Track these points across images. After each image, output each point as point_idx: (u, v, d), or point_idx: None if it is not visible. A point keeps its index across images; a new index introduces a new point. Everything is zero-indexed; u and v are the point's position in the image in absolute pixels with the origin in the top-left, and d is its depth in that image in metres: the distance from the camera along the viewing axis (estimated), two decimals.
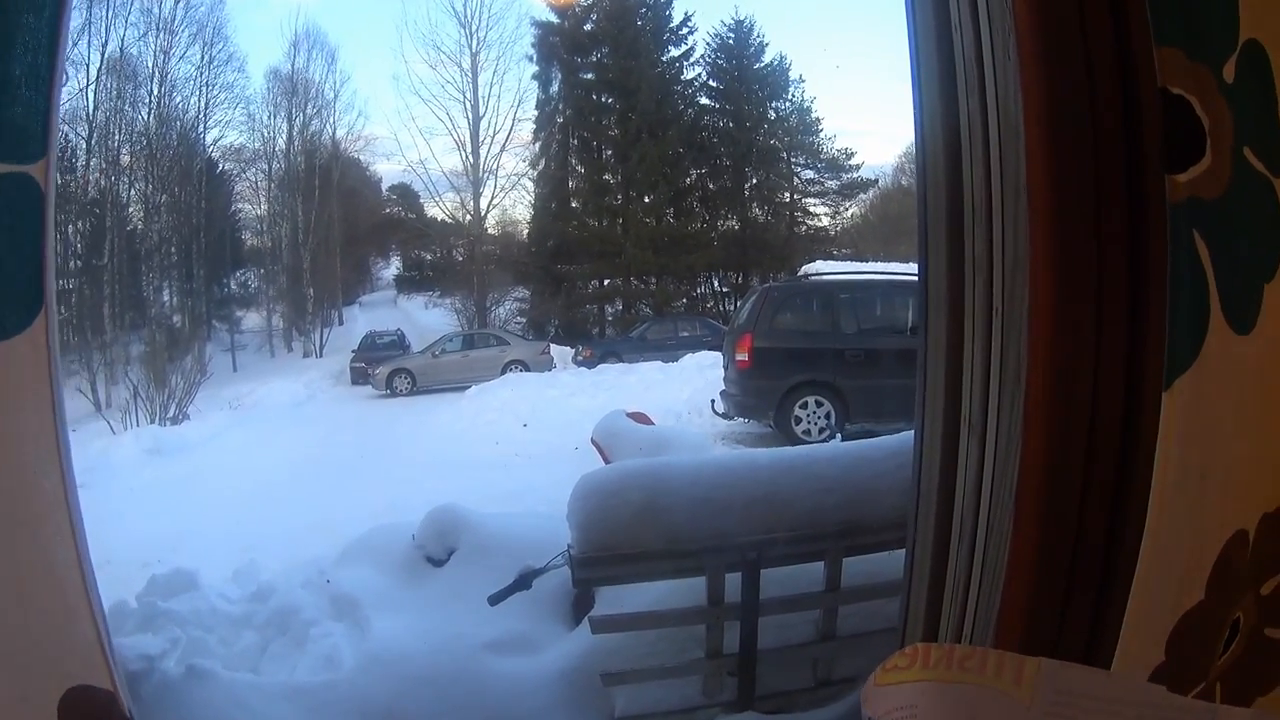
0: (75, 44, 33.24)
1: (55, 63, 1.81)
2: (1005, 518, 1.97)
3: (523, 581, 4.68)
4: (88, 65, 34.34)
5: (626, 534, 4.00)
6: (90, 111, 34.93)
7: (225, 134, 40.79)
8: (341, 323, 45.17)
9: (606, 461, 6.28)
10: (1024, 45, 1.84)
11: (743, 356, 16.06)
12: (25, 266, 1.82)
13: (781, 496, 4.15)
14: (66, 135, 34.16)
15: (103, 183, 35.70)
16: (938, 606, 2.28)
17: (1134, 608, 1.79)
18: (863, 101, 65.03)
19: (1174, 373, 1.77)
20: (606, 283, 44.38)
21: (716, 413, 17.02)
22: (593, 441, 6.94)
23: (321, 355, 40.52)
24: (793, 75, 45.75)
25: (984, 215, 2.06)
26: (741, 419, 16.78)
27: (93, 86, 34.78)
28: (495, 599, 4.66)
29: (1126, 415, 1.91)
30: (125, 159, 36.98)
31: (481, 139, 43.38)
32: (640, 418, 7.53)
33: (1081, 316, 1.88)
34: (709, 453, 6.58)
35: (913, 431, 4.39)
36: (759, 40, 45.91)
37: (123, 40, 35.76)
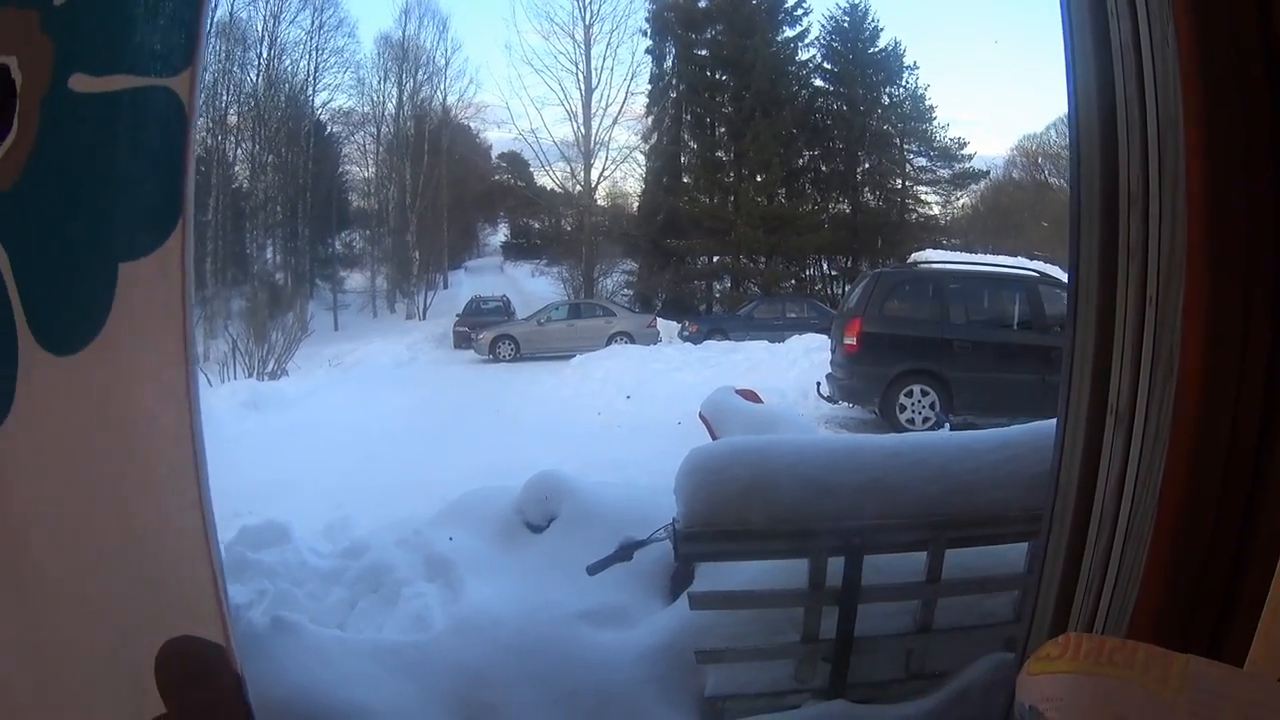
0: None
1: None
2: (1149, 512, 1.91)
3: (623, 553, 4.64)
4: None
5: (732, 511, 3.93)
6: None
7: (334, 97, 41.86)
8: (446, 286, 45.79)
9: (713, 437, 6.21)
10: (1183, 36, 1.79)
11: (851, 340, 15.91)
12: (159, 183, 1.76)
13: (888, 482, 4.05)
14: None
15: (209, 141, 36.66)
16: (1068, 604, 2.22)
17: (1267, 623, 1.69)
18: (976, 91, 64.37)
19: None
20: (715, 259, 44.59)
21: (822, 396, 16.92)
22: (700, 416, 6.87)
23: (424, 318, 41.10)
24: (907, 61, 45.93)
25: (1140, 203, 2.01)
26: (846, 404, 16.69)
27: None
28: (594, 569, 4.62)
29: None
30: (233, 119, 37.84)
31: (594, 111, 43.94)
32: (749, 395, 7.45)
33: (1241, 308, 1.81)
34: (816, 435, 6.47)
35: (1018, 425, 4.35)
36: (873, 24, 46.29)
37: (232, 4, 36.57)
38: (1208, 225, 1.78)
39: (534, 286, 43.37)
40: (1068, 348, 2.28)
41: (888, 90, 46.80)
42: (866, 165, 46.95)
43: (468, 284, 45.52)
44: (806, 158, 46.71)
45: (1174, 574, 1.88)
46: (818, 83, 47.08)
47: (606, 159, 44.95)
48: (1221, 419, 1.83)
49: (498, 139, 48.31)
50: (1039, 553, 2.33)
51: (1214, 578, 1.87)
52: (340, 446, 13.74)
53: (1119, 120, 2.04)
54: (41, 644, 1.80)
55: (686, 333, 32.05)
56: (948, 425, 12.83)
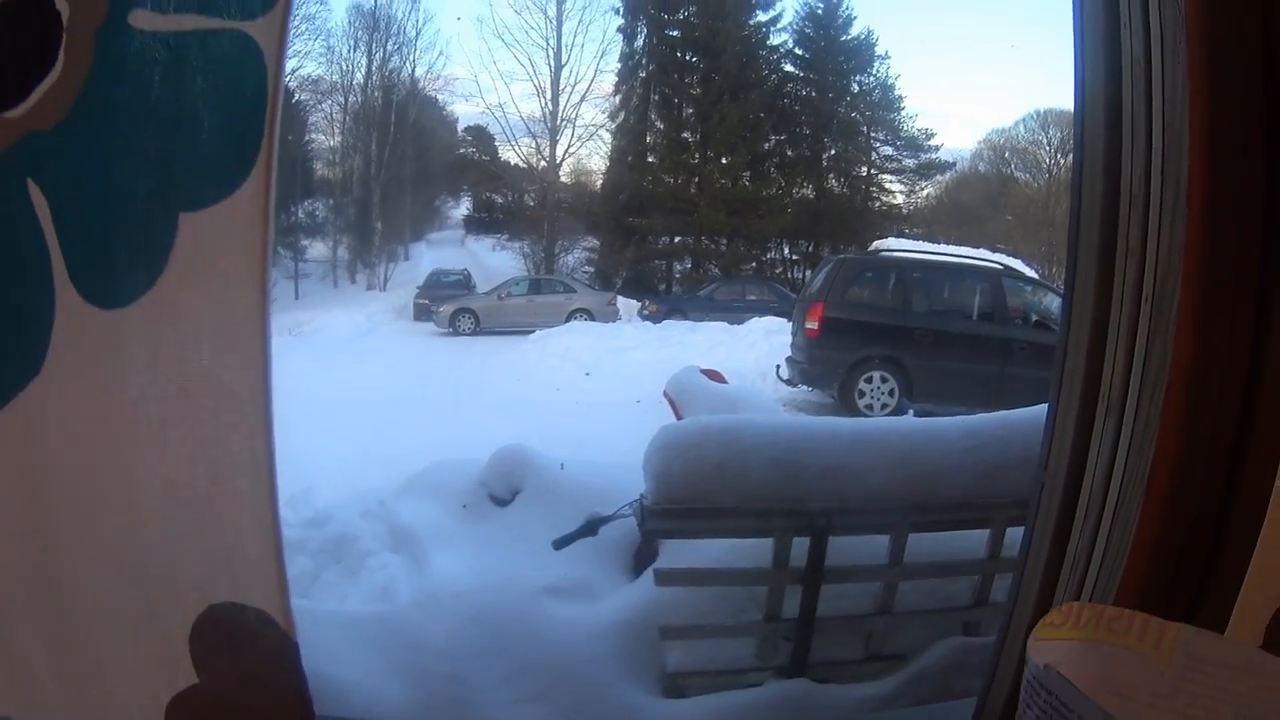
0: None
1: None
2: (1137, 495, 1.99)
3: (589, 528, 4.66)
4: None
5: (701, 489, 3.97)
6: None
7: (304, 64, 41.17)
8: (407, 258, 45.69)
9: (678, 416, 6.23)
10: (1193, 55, 1.86)
11: (812, 325, 16.01)
12: (229, 132, 1.73)
13: (856, 465, 4.11)
14: None
15: None
16: (1054, 581, 2.30)
17: (1245, 597, 1.75)
18: (946, 85, 64.50)
19: None
20: (677, 240, 44.57)
21: (781, 379, 16.98)
22: (665, 394, 6.88)
23: (385, 289, 40.91)
24: (878, 51, 46.08)
25: (1141, 206, 2.07)
26: (805, 387, 16.75)
27: None
28: (560, 543, 4.63)
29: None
30: None
31: (562, 87, 43.86)
32: (714, 375, 7.46)
33: (1230, 308, 1.89)
34: (781, 415, 6.51)
35: (981, 414, 4.40)
36: (847, 13, 46.29)
37: None
38: (1205, 230, 1.85)
39: (495, 261, 43.28)
40: (1061, 340, 2.34)
41: (857, 78, 46.77)
42: (832, 152, 46.96)
43: (429, 256, 45.36)
44: (773, 142, 46.57)
45: (1158, 553, 1.95)
46: (788, 68, 47.05)
47: (572, 136, 44.83)
48: (1207, 412, 1.91)
49: (464, 112, 48.25)
50: (1027, 532, 2.38)
51: (1193, 558, 1.95)
52: (299, 416, 13.63)
53: (1124, 127, 2.10)
54: (64, 609, 1.75)
55: (646, 311, 32.10)
56: (911, 411, 12.91)
